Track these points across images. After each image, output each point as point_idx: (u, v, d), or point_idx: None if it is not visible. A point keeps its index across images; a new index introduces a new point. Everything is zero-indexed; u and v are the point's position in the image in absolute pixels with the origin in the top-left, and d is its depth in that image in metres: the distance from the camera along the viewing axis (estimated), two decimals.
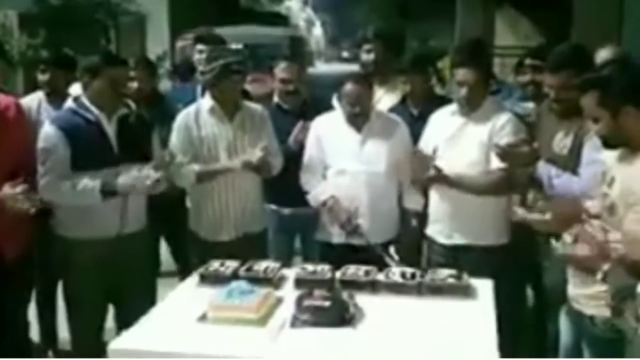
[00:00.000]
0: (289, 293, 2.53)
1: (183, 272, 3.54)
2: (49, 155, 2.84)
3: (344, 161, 3.17)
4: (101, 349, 2.33)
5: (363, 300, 2.42)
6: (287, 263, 3.21)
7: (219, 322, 2.30)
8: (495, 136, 2.94)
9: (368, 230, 3.12)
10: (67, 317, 3.09)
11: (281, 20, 17.68)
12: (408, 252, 3.19)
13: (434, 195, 3.13)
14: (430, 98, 3.55)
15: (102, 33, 10.06)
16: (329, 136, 3.24)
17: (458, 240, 3.04)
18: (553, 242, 2.00)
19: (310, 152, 3.30)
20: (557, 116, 2.79)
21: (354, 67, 4.12)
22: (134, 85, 3.63)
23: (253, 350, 2.14)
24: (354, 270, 2.62)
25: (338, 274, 2.60)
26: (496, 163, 2.91)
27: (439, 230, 3.12)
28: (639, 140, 2.06)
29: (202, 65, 3.27)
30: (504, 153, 2.80)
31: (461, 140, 3.03)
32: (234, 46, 4.91)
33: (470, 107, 3.02)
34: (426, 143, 3.17)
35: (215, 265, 2.73)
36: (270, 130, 3.28)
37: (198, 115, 3.16)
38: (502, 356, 2.04)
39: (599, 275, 1.85)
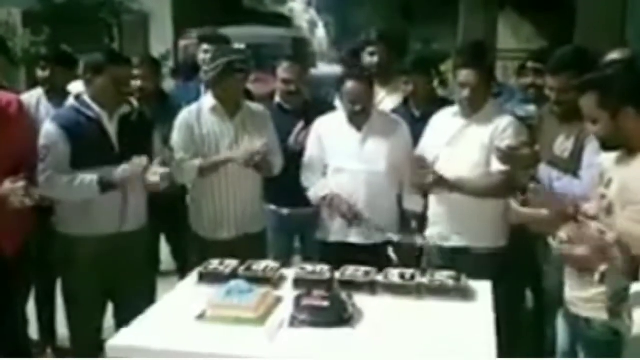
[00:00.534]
0: (287, 293, 2.53)
1: (182, 271, 3.55)
2: (49, 153, 2.84)
3: (343, 160, 3.18)
4: (100, 347, 2.33)
5: (362, 300, 2.42)
6: (286, 263, 3.22)
7: (217, 321, 2.30)
8: (497, 139, 2.94)
9: (365, 230, 3.12)
10: (66, 314, 3.10)
11: (284, 21, 17.67)
12: (407, 253, 3.19)
13: (432, 197, 3.13)
14: (432, 100, 3.56)
15: (105, 31, 10.06)
16: (330, 134, 3.24)
17: (456, 242, 3.04)
18: (550, 240, 1.99)
19: (311, 151, 3.30)
20: (558, 119, 2.79)
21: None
22: (138, 83, 3.64)
23: (251, 349, 2.14)
24: (352, 271, 2.62)
25: (337, 274, 2.60)
26: (497, 166, 2.91)
27: (437, 232, 3.12)
28: (637, 142, 2.06)
29: (206, 64, 3.28)
30: (505, 156, 2.80)
31: (462, 142, 3.04)
32: (237, 46, 4.91)
33: (472, 109, 3.02)
34: (427, 144, 3.17)
35: (214, 264, 2.73)
36: (271, 129, 3.29)
37: (200, 113, 3.17)
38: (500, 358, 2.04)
39: (596, 277, 1.84)
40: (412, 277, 2.55)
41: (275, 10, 19.32)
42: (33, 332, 3.59)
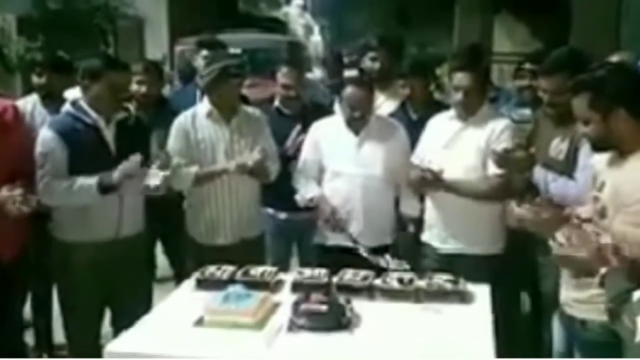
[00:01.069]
0: (285, 297, 2.52)
1: (179, 277, 3.53)
2: (47, 159, 2.83)
3: (340, 163, 3.18)
4: (98, 353, 2.32)
5: (360, 305, 2.41)
6: (284, 268, 3.21)
7: (215, 326, 2.30)
8: (493, 142, 2.94)
9: (362, 234, 3.12)
10: (63, 320, 3.09)
11: (280, 25, 17.71)
12: (404, 257, 3.19)
13: (429, 201, 3.13)
14: (429, 103, 3.57)
15: (100, 37, 10.06)
16: (327, 138, 3.24)
17: (453, 246, 3.04)
18: (551, 242, 1.99)
19: (305, 155, 3.30)
20: (552, 121, 2.80)
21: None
22: (142, 89, 3.62)
23: (249, 354, 2.14)
24: (351, 275, 2.61)
25: (335, 279, 2.60)
26: (494, 169, 2.91)
27: (434, 236, 3.12)
28: (628, 144, 2.07)
29: (202, 69, 3.28)
30: (501, 159, 2.80)
31: (458, 146, 3.04)
32: (232, 51, 4.92)
33: (467, 112, 3.03)
34: (424, 148, 3.18)
35: (211, 269, 2.72)
36: (268, 134, 3.28)
37: (195, 118, 3.16)
38: None
39: (597, 279, 1.84)
40: (411, 281, 2.55)
41: (271, 14, 19.35)
42: (29, 338, 3.56)
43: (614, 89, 2.06)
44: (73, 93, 3.15)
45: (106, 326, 3.08)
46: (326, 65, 4.61)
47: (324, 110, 3.47)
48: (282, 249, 3.65)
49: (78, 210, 2.87)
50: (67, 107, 2.97)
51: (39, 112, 3.56)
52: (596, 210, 2.10)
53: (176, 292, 2.74)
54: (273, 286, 2.62)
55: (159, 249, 4.00)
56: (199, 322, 2.34)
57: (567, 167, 2.65)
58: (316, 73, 7.33)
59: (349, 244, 3.12)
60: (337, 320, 2.29)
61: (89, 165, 2.84)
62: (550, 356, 2.50)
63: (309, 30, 23.26)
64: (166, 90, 5.02)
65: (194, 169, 3.11)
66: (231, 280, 2.59)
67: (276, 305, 2.45)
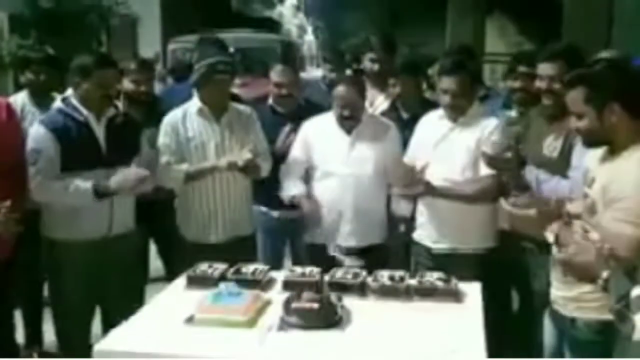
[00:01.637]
0: (277, 295, 2.52)
1: (172, 277, 3.52)
2: (40, 156, 2.82)
3: (331, 163, 3.18)
4: (88, 352, 2.30)
5: (351, 302, 2.41)
6: (276, 266, 3.20)
7: (206, 324, 2.28)
8: (483, 142, 2.94)
9: (353, 233, 3.13)
10: (53, 319, 3.08)
11: (273, 24, 17.70)
12: (396, 256, 3.19)
13: (421, 200, 3.13)
14: (420, 102, 3.57)
15: (93, 36, 10.02)
16: (319, 137, 3.24)
17: (445, 245, 3.05)
18: (554, 249, 1.99)
19: (294, 152, 3.31)
20: (547, 119, 2.81)
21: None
22: (134, 87, 3.60)
23: (241, 352, 2.13)
24: (342, 273, 2.61)
25: (327, 277, 2.59)
26: (485, 170, 2.92)
27: (425, 235, 3.13)
28: (620, 140, 2.07)
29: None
30: (490, 160, 2.81)
31: (449, 146, 3.04)
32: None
33: (456, 113, 3.04)
34: (414, 147, 3.18)
35: (203, 267, 2.71)
36: (258, 131, 3.28)
37: (185, 116, 3.15)
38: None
39: (600, 283, 1.83)
40: (402, 279, 2.55)
41: (264, 14, 19.33)
42: (19, 337, 3.54)
43: (610, 84, 2.07)
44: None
45: (97, 325, 3.07)
46: (328, 62, 4.64)
47: (320, 110, 3.48)
48: (275, 247, 3.65)
49: (69, 209, 2.86)
50: (57, 103, 2.96)
51: (28, 109, 3.55)
52: (586, 206, 2.11)
53: (167, 290, 2.73)
54: (264, 284, 2.61)
55: (153, 249, 3.98)
56: (190, 320, 2.33)
57: (560, 165, 2.66)
58: (314, 72, 7.32)
59: (341, 243, 3.13)
60: (328, 318, 2.28)
61: (80, 161, 2.84)
62: (541, 354, 2.50)
63: (302, 30, 23.26)
64: (157, 89, 5.01)
65: (184, 167, 3.10)
66: (222, 278, 2.58)
67: (267, 304, 2.45)
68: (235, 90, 3.46)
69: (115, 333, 2.29)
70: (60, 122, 2.87)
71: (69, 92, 3.01)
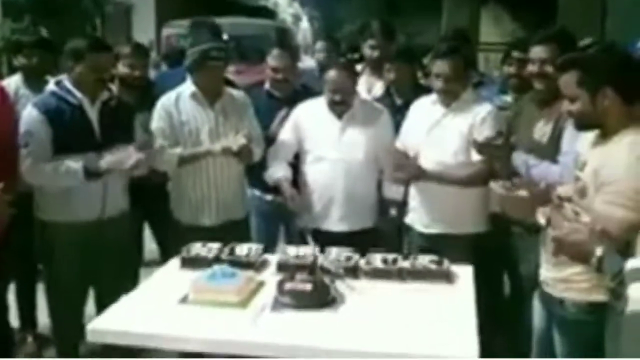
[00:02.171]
0: (271, 277, 2.53)
1: (166, 259, 3.52)
2: (32, 138, 2.82)
3: (322, 148, 3.19)
4: (82, 333, 2.31)
5: (344, 284, 2.43)
6: (271, 250, 3.21)
7: (200, 304, 2.30)
8: (476, 128, 2.95)
9: (344, 218, 3.16)
10: (47, 300, 3.09)
11: (268, 13, 17.61)
12: (388, 240, 3.21)
13: (413, 184, 3.15)
14: (414, 88, 3.58)
15: (87, 23, 9.96)
16: (310, 122, 3.25)
17: (436, 229, 3.07)
18: (550, 231, 2.01)
19: (284, 135, 3.32)
20: (537, 105, 2.82)
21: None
22: (128, 71, 3.58)
23: (234, 332, 2.15)
24: (335, 255, 2.63)
25: (320, 259, 2.61)
26: (476, 155, 2.94)
27: (417, 219, 3.14)
28: (612, 124, 2.09)
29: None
30: (481, 147, 2.82)
31: (442, 130, 3.05)
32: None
33: (448, 98, 3.04)
34: (407, 132, 3.19)
35: (197, 247, 2.73)
36: (252, 116, 3.28)
37: (179, 100, 3.14)
38: (480, 341, 2.06)
39: (593, 261, 1.85)
40: (395, 261, 2.57)
41: (259, 3, 19.23)
42: (13, 319, 3.55)
43: (604, 68, 2.08)
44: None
45: (91, 309, 3.08)
46: (324, 48, 4.67)
47: (316, 96, 3.48)
48: (269, 231, 3.66)
49: (62, 191, 2.87)
50: (51, 86, 2.95)
51: (22, 92, 3.54)
52: (577, 189, 2.13)
53: (161, 271, 2.74)
54: (258, 266, 2.63)
55: (148, 233, 3.98)
56: (184, 300, 2.35)
57: (550, 150, 2.67)
58: (309, 62, 7.30)
59: (332, 227, 3.15)
60: (321, 299, 2.30)
61: (73, 144, 2.84)
62: (530, 335, 2.53)
63: (297, 19, 23.17)
64: (152, 75, 4.99)
65: (178, 150, 3.10)
66: (216, 259, 2.60)
67: (261, 284, 2.47)
68: (229, 77, 3.44)
69: (109, 312, 2.31)
70: (53, 104, 2.86)
71: (64, 75, 3.01)
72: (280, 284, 2.37)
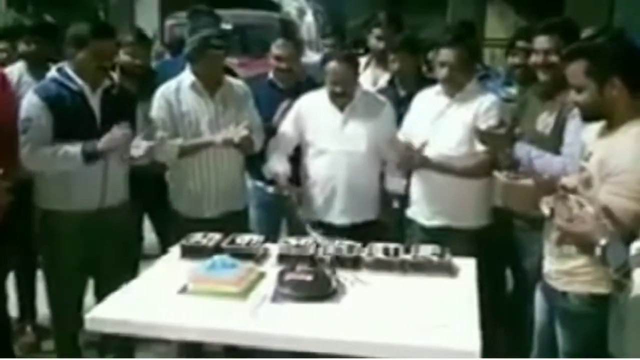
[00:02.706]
0: (271, 267, 2.51)
1: (165, 250, 3.51)
2: (32, 124, 2.80)
3: (324, 140, 3.16)
4: (81, 323, 2.30)
5: (346, 276, 2.41)
6: (273, 242, 3.19)
7: (199, 294, 2.28)
8: (480, 119, 2.92)
9: (346, 210, 3.14)
10: (46, 289, 3.07)
11: (273, 6, 17.51)
12: (390, 233, 3.18)
13: (415, 176, 3.13)
14: (418, 80, 3.55)
15: (90, 13, 9.94)
16: (312, 114, 3.22)
17: (438, 221, 3.04)
18: (556, 221, 1.98)
19: (284, 127, 3.30)
20: (541, 97, 2.79)
21: None
22: (130, 59, 3.55)
23: (233, 323, 2.12)
24: (337, 246, 2.60)
25: (321, 250, 2.58)
26: (480, 146, 2.90)
27: (419, 212, 3.12)
28: (618, 115, 2.06)
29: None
30: (484, 137, 2.79)
31: (446, 121, 3.02)
32: (222, 26, 4.85)
33: (453, 88, 3.01)
34: (411, 123, 3.16)
35: (197, 237, 2.70)
36: (252, 107, 3.25)
37: (179, 90, 3.11)
38: (482, 334, 2.03)
39: (597, 252, 1.83)
40: (396, 252, 2.55)
41: None
42: (12, 309, 3.54)
43: (612, 57, 2.04)
44: None
45: (90, 300, 3.06)
46: (328, 39, 4.67)
47: (319, 87, 3.45)
48: (271, 223, 3.63)
49: (62, 180, 2.84)
50: (52, 73, 2.92)
51: (25, 79, 3.52)
52: (582, 180, 2.10)
53: (161, 260, 2.72)
54: (259, 256, 2.61)
55: (149, 225, 3.96)
56: (184, 290, 2.32)
57: (553, 141, 2.64)
58: (313, 57, 7.27)
59: (334, 220, 3.13)
60: (322, 290, 2.28)
61: (74, 131, 2.81)
62: (532, 328, 2.51)
63: (301, 13, 23.08)
64: (154, 64, 4.97)
65: (178, 141, 3.07)
66: (217, 249, 2.57)
67: (262, 275, 2.45)
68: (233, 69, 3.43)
69: (108, 301, 2.29)
70: (53, 91, 2.83)
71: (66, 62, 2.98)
72: (281, 275, 2.35)
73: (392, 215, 3.27)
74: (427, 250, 2.55)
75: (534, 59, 2.76)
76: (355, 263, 2.52)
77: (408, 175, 3.17)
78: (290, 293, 2.27)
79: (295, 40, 3.89)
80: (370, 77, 3.82)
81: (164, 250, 3.65)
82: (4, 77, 3.07)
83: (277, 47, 3.56)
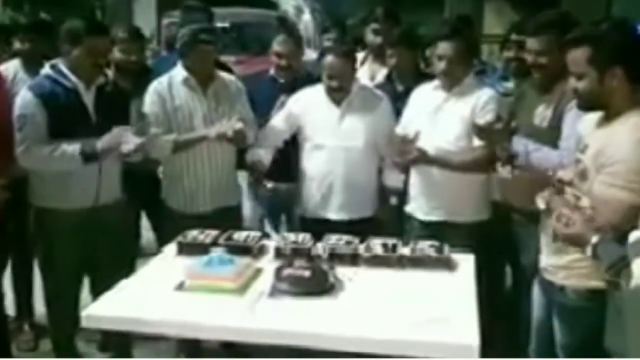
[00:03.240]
0: (269, 264, 2.50)
1: (162, 247, 3.49)
2: (27, 122, 2.78)
3: (321, 135, 3.14)
4: (77, 321, 2.28)
5: (344, 271, 2.40)
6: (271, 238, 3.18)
7: (196, 291, 2.27)
8: (478, 113, 2.90)
9: (344, 206, 3.12)
10: (43, 287, 3.05)
11: (270, 5, 17.49)
12: (388, 229, 3.17)
13: (413, 172, 3.11)
14: (415, 75, 3.53)
15: (87, 12, 9.92)
16: (308, 110, 3.20)
17: (436, 216, 3.03)
18: (554, 221, 1.97)
19: (275, 121, 3.29)
20: (537, 90, 2.78)
21: None
22: (125, 56, 3.54)
23: (231, 319, 2.11)
24: (335, 241, 2.59)
25: (319, 245, 2.57)
26: (478, 140, 2.89)
27: (417, 207, 3.10)
28: (616, 106, 2.04)
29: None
30: (481, 132, 2.78)
31: (443, 115, 3.00)
32: (220, 25, 4.85)
33: (451, 82, 2.99)
34: (408, 117, 3.14)
35: (194, 233, 2.69)
36: (244, 100, 3.24)
37: (171, 85, 3.09)
38: (481, 330, 2.02)
39: (588, 251, 1.82)
40: (394, 247, 2.53)
41: None
42: (9, 308, 3.52)
43: (615, 46, 2.02)
44: None
45: (87, 298, 3.05)
46: (329, 33, 4.69)
47: (317, 83, 3.44)
48: (269, 219, 3.62)
49: (57, 178, 2.83)
50: (46, 70, 2.90)
51: (20, 77, 3.51)
52: (577, 172, 2.09)
53: (158, 257, 2.70)
54: (256, 252, 2.59)
55: (146, 223, 3.94)
56: (180, 286, 2.31)
57: (550, 134, 2.63)
58: (311, 55, 7.25)
59: (331, 216, 3.12)
60: (320, 285, 2.26)
61: (68, 129, 2.79)
62: (530, 322, 2.50)
63: (299, 11, 23.06)
64: (150, 62, 4.95)
65: (172, 137, 3.06)
66: (214, 245, 2.56)
67: (259, 271, 2.43)
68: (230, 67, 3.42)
69: (105, 298, 2.27)
70: (48, 88, 2.82)
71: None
72: (278, 271, 2.33)
73: (388, 212, 3.26)
74: (425, 245, 2.53)
75: (527, 56, 2.74)
76: (353, 258, 2.51)
77: (406, 171, 3.16)
78: (287, 289, 2.25)
79: (296, 36, 3.87)
80: (368, 72, 3.80)
81: (161, 248, 3.66)
82: None
83: (277, 44, 3.55)
